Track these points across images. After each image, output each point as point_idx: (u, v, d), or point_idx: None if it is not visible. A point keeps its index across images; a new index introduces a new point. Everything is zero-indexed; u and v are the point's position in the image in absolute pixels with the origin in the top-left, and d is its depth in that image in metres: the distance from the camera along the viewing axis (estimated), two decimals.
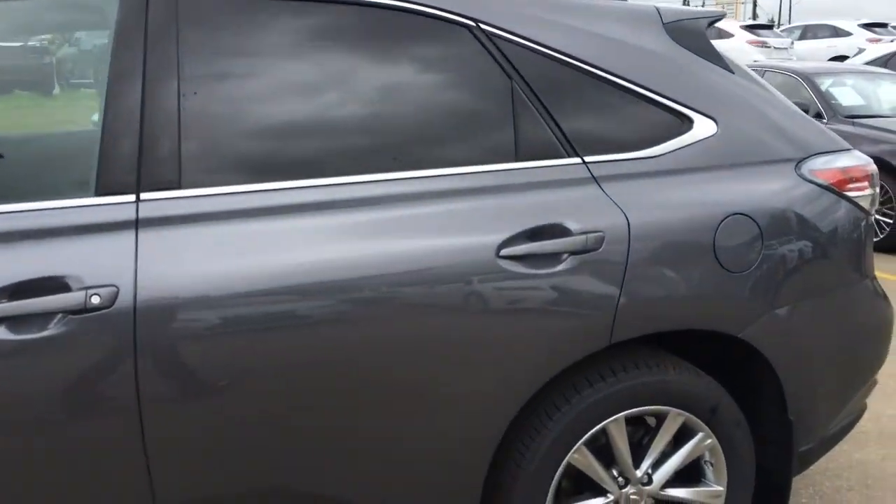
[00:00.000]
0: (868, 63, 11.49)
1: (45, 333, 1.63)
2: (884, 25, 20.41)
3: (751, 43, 17.90)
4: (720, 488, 2.25)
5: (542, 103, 2.01)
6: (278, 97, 1.86)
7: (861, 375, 2.40)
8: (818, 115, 7.66)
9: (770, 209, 2.14)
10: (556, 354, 1.95)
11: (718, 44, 2.65)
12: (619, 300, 1.97)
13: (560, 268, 1.93)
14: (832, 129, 2.75)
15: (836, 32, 20.17)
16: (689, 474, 2.30)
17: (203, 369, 1.73)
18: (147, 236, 1.71)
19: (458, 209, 1.91)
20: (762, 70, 8.46)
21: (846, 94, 7.99)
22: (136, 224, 1.71)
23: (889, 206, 7.01)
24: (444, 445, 1.93)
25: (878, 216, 7.09)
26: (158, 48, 1.78)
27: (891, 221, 6.93)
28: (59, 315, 1.64)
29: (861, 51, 14.27)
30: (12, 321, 1.63)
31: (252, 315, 1.75)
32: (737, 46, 17.24)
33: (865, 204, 2.36)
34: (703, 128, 2.15)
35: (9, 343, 1.62)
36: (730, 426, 2.20)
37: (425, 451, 1.93)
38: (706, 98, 2.17)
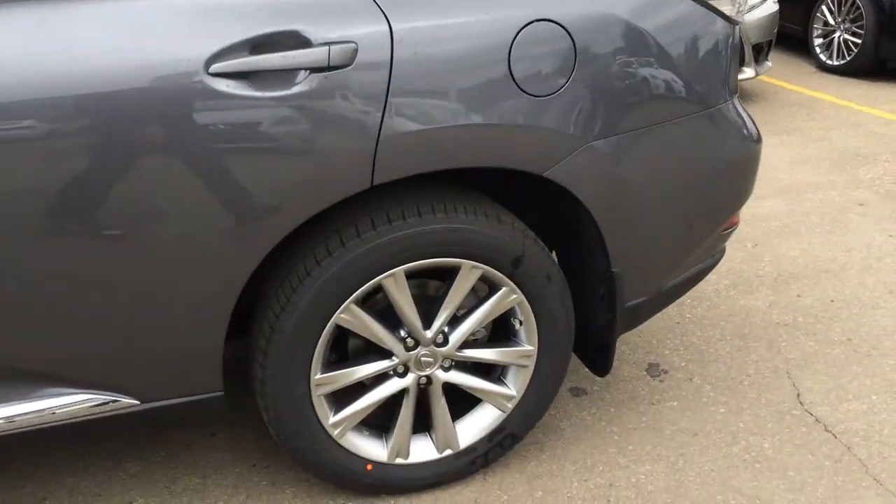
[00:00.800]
0: None
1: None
2: None
3: None
4: (530, 348, 1.96)
5: None
6: None
7: (710, 219, 2.05)
8: None
9: (587, 14, 1.69)
10: (297, 199, 1.58)
11: None
12: (379, 131, 1.57)
13: (296, 90, 1.51)
14: None
15: None
16: (502, 333, 2.02)
17: None
18: None
19: (145, 7, 1.47)
20: None
21: None
22: None
23: (859, 24, 6.40)
24: (174, 312, 1.61)
25: (846, 35, 6.51)
26: None
27: (859, 42, 6.35)
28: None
29: None
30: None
31: None
32: None
33: (729, 9, 1.91)
34: None
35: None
36: (538, 280, 1.87)
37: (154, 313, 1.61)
38: None
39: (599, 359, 2.10)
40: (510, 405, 2.02)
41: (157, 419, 1.75)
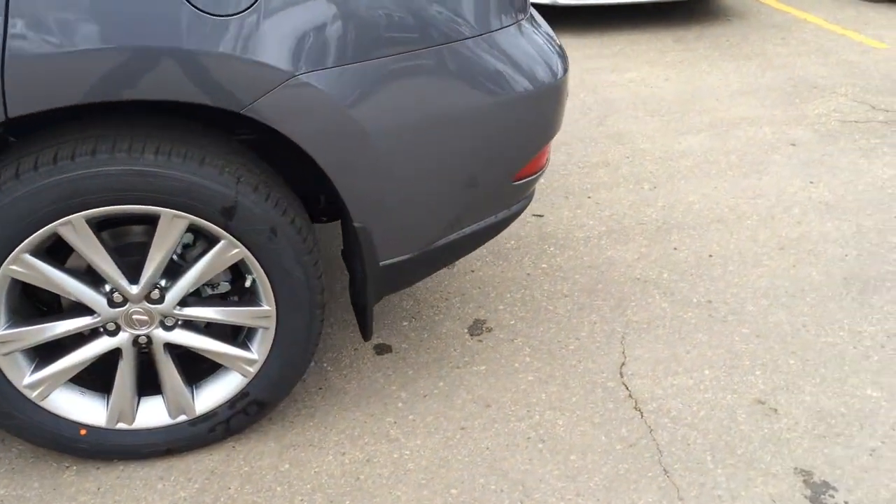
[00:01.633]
0: None
1: None
2: None
3: None
4: (267, 308, 1.72)
5: None
6: None
7: (482, 170, 1.75)
8: None
9: None
10: None
11: None
12: (3, 57, 1.31)
13: None
14: None
15: None
16: (243, 292, 1.79)
17: None
18: None
19: None
20: None
21: None
22: None
23: None
24: None
25: None
26: None
27: None
28: None
29: None
30: None
31: None
32: None
33: None
34: None
35: None
36: (262, 234, 1.62)
37: None
38: None
39: (360, 321, 1.87)
40: (252, 370, 1.80)
41: None
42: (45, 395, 1.70)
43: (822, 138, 3.48)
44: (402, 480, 1.79)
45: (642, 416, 1.96)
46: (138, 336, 1.71)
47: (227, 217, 1.58)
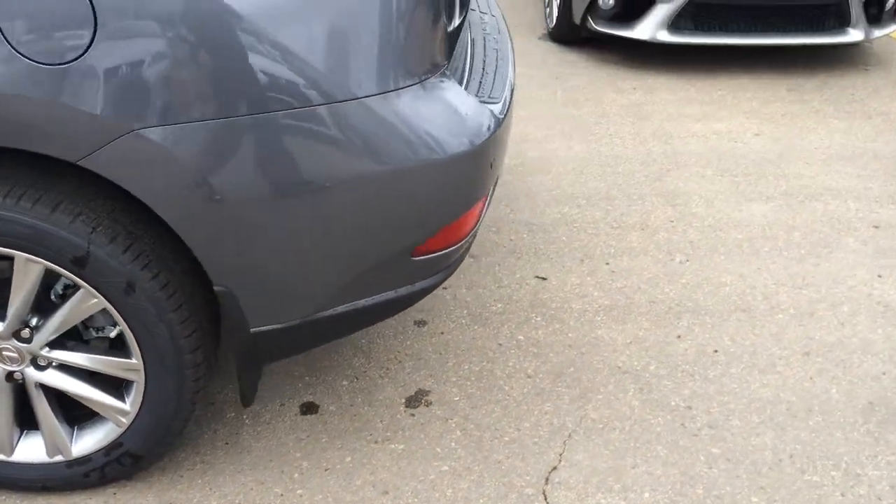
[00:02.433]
0: None
1: None
2: None
3: None
4: (134, 361, 1.64)
5: None
6: None
7: (362, 243, 1.58)
8: None
9: None
10: None
11: None
12: None
13: None
14: None
15: None
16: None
17: None
18: None
19: None
20: None
21: None
22: None
23: None
24: None
25: None
26: None
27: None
28: None
29: None
30: None
31: None
32: None
33: None
34: None
35: None
36: (118, 287, 1.54)
37: None
38: None
39: (242, 384, 1.75)
40: (125, 420, 1.73)
41: None
42: None
43: None
44: None
45: None
46: (12, 372, 1.69)
47: (79, 266, 1.52)
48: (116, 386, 1.75)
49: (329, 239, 1.56)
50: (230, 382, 2.14)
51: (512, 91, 1.96)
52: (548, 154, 3.46)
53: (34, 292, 1.58)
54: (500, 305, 2.50)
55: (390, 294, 1.72)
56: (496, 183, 2.17)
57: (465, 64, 1.91)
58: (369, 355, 2.27)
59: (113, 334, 1.68)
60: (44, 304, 1.66)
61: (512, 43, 2.32)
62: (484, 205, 1.83)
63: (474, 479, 1.87)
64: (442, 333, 2.37)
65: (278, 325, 1.64)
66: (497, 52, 2.11)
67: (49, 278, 1.61)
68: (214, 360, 1.78)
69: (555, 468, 1.90)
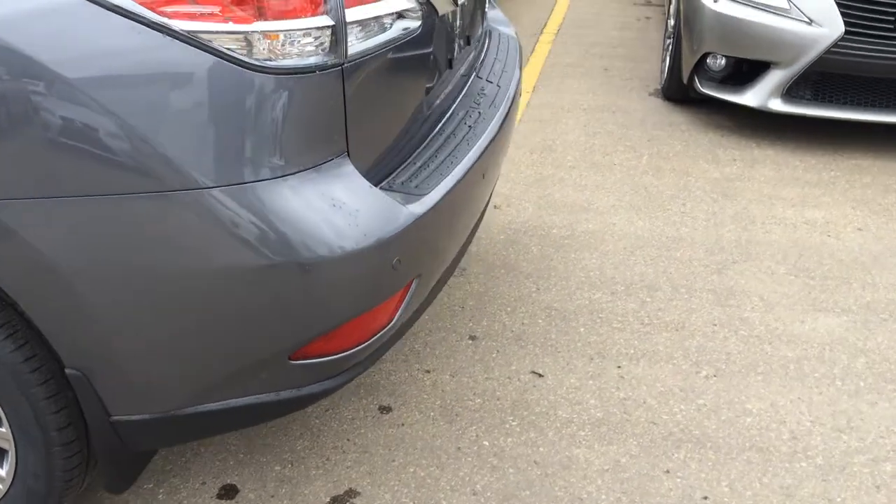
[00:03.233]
0: None
1: None
2: None
3: None
4: (3, 430, 1.58)
5: None
6: None
7: (243, 341, 1.43)
8: None
9: None
10: None
11: None
12: None
13: None
14: None
15: None
16: None
17: None
18: None
19: None
20: None
21: None
22: None
23: None
24: None
25: None
26: None
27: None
28: None
29: None
30: None
31: None
32: None
33: (230, 43, 1.27)
34: None
35: None
36: None
37: None
38: None
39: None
40: (2, 487, 1.67)
41: None
42: None
43: None
44: None
45: None
46: None
47: None
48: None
49: (184, 333, 1.42)
50: (158, 452, 2.05)
51: (465, 174, 1.74)
52: (603, 228, 3.17)
53: None
54: (478, 401, 2.26)
55: (270, 396, 1.56)
56: (450, 269, 1.96)
57: (404, 148, 1.71)
58: (316, 438, 2.11)
59: None
60: None
61: (509, 113, 2.10)
62: (396, 307, 1.62)
63: None
64: (402, 425, 2.17)
65: (141, 417, 1.53)
66: (470, 128, 1.90)
67: None
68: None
69: None
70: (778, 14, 3.78)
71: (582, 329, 2.57)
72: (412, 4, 1.59)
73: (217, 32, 1.28)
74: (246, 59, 1.30)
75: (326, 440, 2.12)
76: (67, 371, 1.47)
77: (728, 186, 3.54)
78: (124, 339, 1.42)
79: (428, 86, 1.77)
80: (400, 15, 1.56)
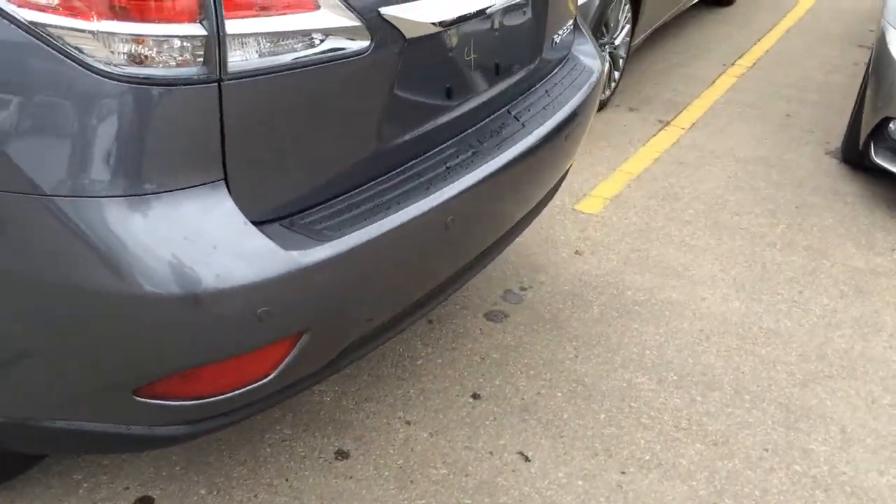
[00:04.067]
0: None
1: None
2: None
3: None
4: None
5: None
6: None
7: (81, 364, 1.31)
8: None
9: None
10: None
11: None
12: None
13: None
14: None
15: None
16: None
17: None
18: None
19: None
20: None
21: None
22: None
23: None
24: None
25: None
26: None
27: None
28: None
29: None
30: None
31: None
32: None
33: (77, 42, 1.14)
34: None
35: None
36: None
37: None
38: None
39: None
40: None
41: None
42: None
43: None
44: None
45: None
46: None
47: None
48: None
49: (32, 344, 1.33)
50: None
51: (410, 220, 1.50)
52: (688, 301, 2.73)
53: None
54: (443, 471, 2.00)
55: (121, 429, 1.43)
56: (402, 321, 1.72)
57: (336, 183, 1.49)
58: (257, 469, 1.97)
59: None
60: None
61: (525, 156, 1.81)
62: (275, 361, 1.42)
63: None
64: (350, 478, 1.96)
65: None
66: (448, 170, 1.65)
67: None
68: None
69: None
70: None
71: (602, 415, 2.21)
72: (351, 23, 1.37)
73: (63, 28, 1.16)
74: (93, 61, 1.17)
75: (265, 474, 1.97)
76: None
77: (867, 281, 2.94)
78: None
79: (382, 117, 1.54)
80: (328, 33, 1.35)
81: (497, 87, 1.91)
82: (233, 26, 1.22)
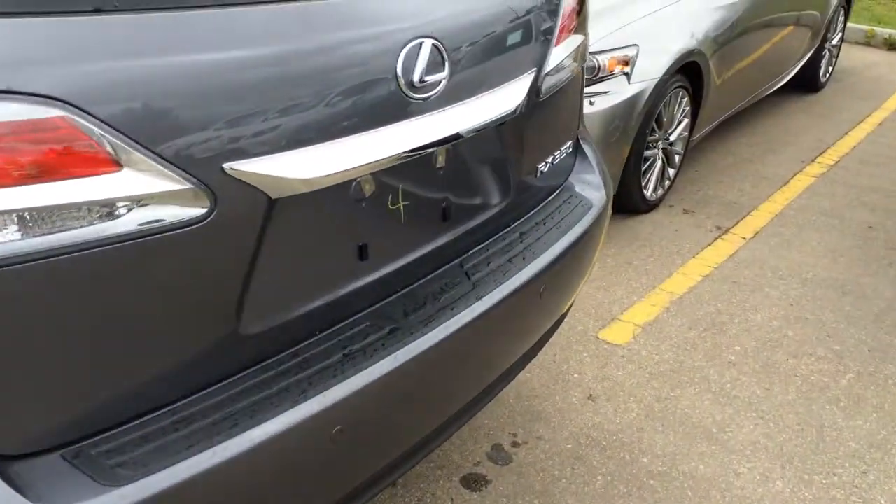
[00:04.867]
0: None
1: None
2: None
3: None
4: None
5: None
6: None
7: None
8: None
9: None
10: None
11: None
12: None
13: None
14: None
15: None
16: None
17: None
18: None
19: None
20: None
21: None
22: None
23: None
24: None
25: None
26: None
27: None
28: None
29: None
30: None
31: None
32: None
33: None
34: None
35: None
36: None
37: None
38: None
39: None
40: None
41: None
42: None
43: None
44: None
45: None
46: None
47: None
48: None
49: None
50: None
51: (252, 447, 1.10)
52: (716, 476, 2.21)
53: None
54: None
55: None
56: None
57: (147, 395, 1.10)
58: None
59: None
60: None
61: (470, 328, 1.40)
62: None
63: None
64: None
65: None
66: (322, 371, 1.24)
67: None
68: None
69: None
70: None
71: None
72: (175, 186, 1.00)
73: None
74: None
75: None
76: None
77: None
78: None
79: (237, 296, 1.15)
80: (139, 200, 0.99)
81: (444, 236, 1.51)
82: None
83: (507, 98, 1.50)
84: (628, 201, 3.75)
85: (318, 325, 1.29)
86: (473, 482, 2.16)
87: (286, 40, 1.13)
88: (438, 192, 1.46)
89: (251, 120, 1.07)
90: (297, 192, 1.15)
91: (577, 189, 1.87)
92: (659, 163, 3.83)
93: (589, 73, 3.39)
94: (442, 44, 1.32)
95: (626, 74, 3.45)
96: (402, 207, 1.38)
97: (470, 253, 1.57)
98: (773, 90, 5.14)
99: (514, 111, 1.51)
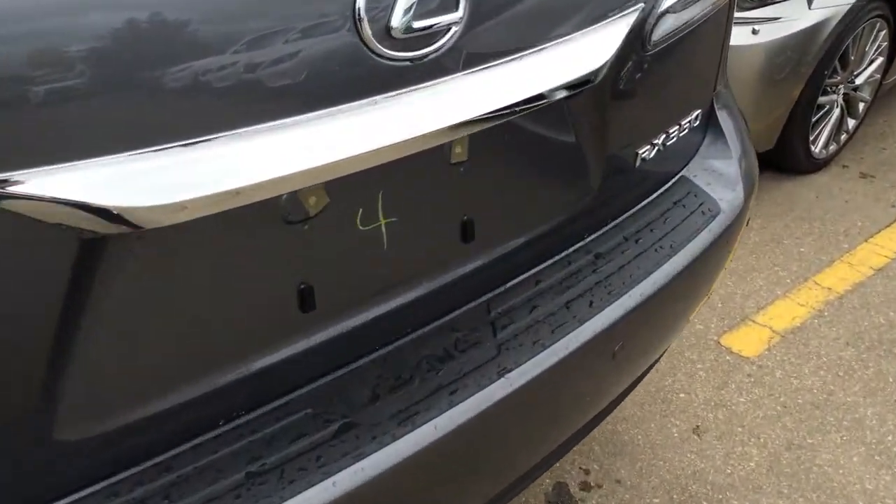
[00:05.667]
0: None
1: None
2: None
3: None
4: None
5: None
6: None
7: None
8: None
9: None
10: None
11: None
12: None
13: None
14: None
15: None
16: None
17: None
18: None
19: None
20: None
21: None
22: None
23: None
24: None
25: None
26: None
27: None
28: None
29: None
30: None
31: None
32: None
33: None
34: None
35: None
36: None
37: None
38: None
39: None
40: None
41: None
42: None
43: None
44: None
45: None
46: None
47: None
48: None
49: None
50: None
51: None
52: None
53: None
54: None
55: None
56: None
57: None
58: None
59: None
60: None
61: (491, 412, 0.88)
62: None
63: None
64: None
65: None
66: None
67: None
68: None
69: None
70: None
71: None
72: None
73: None
74: None
75: None
76: None
77: None
78: None
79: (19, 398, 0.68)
80: None
81: (461, 266, 0.96)
82: None
83: (584, 54, 0.92)
84: (789, 158, 3.01)
85: (210, 415, 0.81)
86: None
87: None
88: (455, 200, 0.92)
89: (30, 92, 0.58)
90: (144, 227, 0.65)
91: (699, 183, 1.26)
92: (836, 111, 3.04)
93: None
94: None
95: None
96: (383, 227, 0.86)
97: (503, 289, 1.03)
98: None
99: (596, 76, 0.93)
